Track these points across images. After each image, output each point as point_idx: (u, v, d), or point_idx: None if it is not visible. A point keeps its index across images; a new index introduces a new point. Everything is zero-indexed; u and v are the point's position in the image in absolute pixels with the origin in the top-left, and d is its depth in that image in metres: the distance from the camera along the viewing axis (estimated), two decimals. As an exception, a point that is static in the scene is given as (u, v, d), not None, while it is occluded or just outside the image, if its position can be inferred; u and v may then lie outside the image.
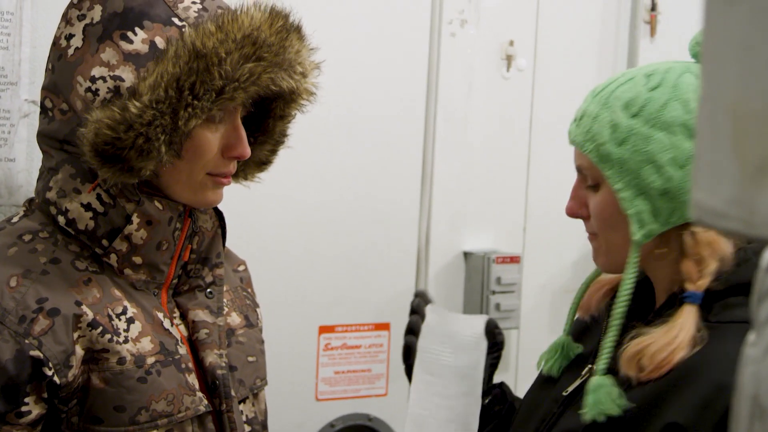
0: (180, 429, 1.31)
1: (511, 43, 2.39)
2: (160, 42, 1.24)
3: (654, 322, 1.31)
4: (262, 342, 1.52)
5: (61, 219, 1.30)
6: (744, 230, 0.54)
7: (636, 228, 1.30)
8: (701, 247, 1.29)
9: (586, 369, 1.42)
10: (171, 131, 1.22)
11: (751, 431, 0.56)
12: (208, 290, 1.39)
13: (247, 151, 1.33)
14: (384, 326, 2.28)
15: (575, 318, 1.53)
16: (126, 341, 1.27)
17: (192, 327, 1.37)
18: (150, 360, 1.29)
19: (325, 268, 2.19)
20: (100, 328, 1.26)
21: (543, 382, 1.50)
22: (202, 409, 1.33)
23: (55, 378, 1.22)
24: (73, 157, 1.28)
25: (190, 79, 1.22)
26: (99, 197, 1.29)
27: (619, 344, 1.31)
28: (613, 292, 1.48)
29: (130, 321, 1.29)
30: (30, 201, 1.37)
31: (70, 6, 1.32)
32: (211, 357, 1.36)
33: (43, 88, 1.32)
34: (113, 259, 1.31)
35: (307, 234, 2.16)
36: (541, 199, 2.47)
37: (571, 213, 1.41)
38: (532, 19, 2.43)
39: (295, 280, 2.15)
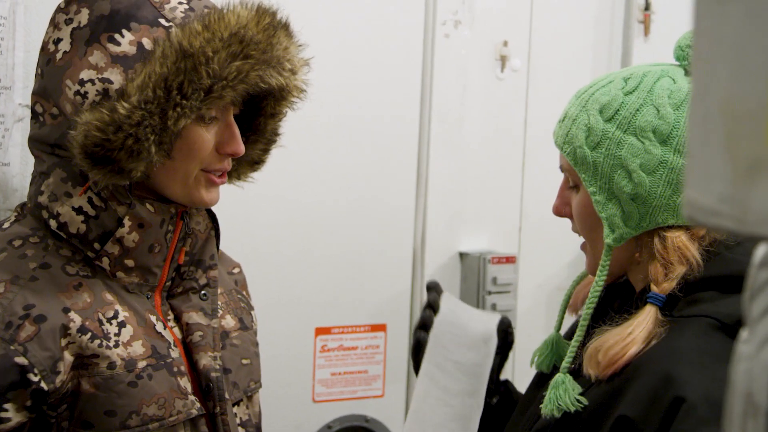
0: None
1: (505, 44, 2.40)
2: (147, 43, 1.25)
3: (618, 322, 1.32)
4: (257, 345, 1.52)
5: (52, 223, 1.30)
6: (736, 228, 0.54)
7: (608, 231, 1.31)
8: (669, 252, 1.30)
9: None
10: (160, 131, 1.23)
11: (744, 429, 0.56)
12: (202, 292, 1.39)
13: (242, 148, 1.34)
14: (380, 327, 2.28)
15: (570, 318, 1.54)
16: (116, 345, 1.27)
17: (186, 329, 1.37)
18: (141, 364, 1.29)
19: (321, 269, 2.19)
20: (90, 334, 1.25)
21: (537, 380, 1.51)
22: (195, 412, 1.33)
23: (42, 384, 1.21)
24: (64, 161, 1.28)
25: (178, 79, 1.22)
26: (90, 201, 1.29)
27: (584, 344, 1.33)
28: None
29: (122, 325, 1.29)
30: (22, 206, 1.37)
31: (58, 10, 1.32)
32: (205, 359, 1.36)
33: (33, 94, 1.33)
34: (105, 262, 1.31)
35: (303, 235, 2.16)
36: (536, 200, 2.47)
37: (557, 212, 1.44)
38: (526, 19, 2.43)
39: (291, 281, 2.15)
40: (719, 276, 1.28)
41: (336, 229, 2.20)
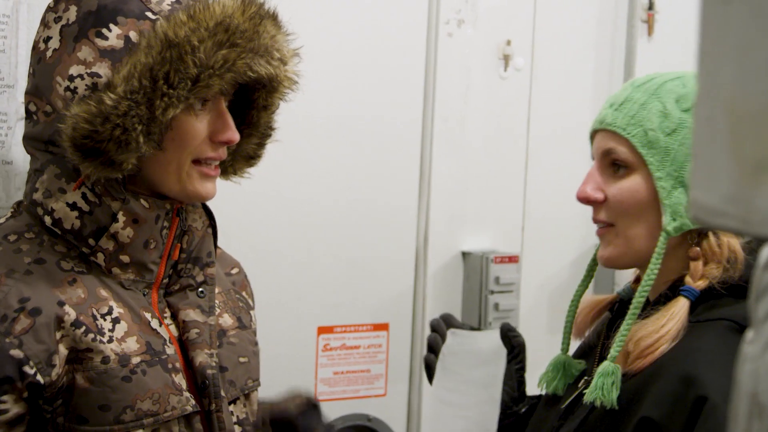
0: (166, 428, 1.30)
1: (509, 43, 2.39)
2: (134, 36, 1.26)
3: (648, 314, 1.32)
4: (256, 344, 1.51)
5: (47, 219, 1.30)
6: (741, 228, 0.54)
7: (669, 219, 1.30)
8: (723, 251, 1.30)
9: (582, 381, 1.43)
10: (148, 121, 1.23)
11: (749, 429, 0.56)
12: (200, 290, 1.39)
13: (235, 136, 1.34)
14: (383, 326, 2.28)
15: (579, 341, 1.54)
16: (111, 341, 1.27)
17: (182, 327, 1.37)
18: (135, 360, 1.29)
19: (323, 268, 2.19)
20: (84, 328, 1.26)
21: (548, 399, 1.50)
22: (189, 408, 1.32)
23: (38, 377, 1.22)
24: (57, 157, 1.29)
25: (164, 69, 1.23)
26: (84, 196, 1.29)
27: (608, 339, 1.33)
28: (600, 313, 1.50)
29: (116, 321, 1.29)
30: (18, 203, 1.37)
31: (48, 10, 1.33)
32: (201, 357, 1.36)
33: (26, 93, 1.34)
34: (100, 258, 1.31)
35: (305, 235, 2.16)
36: (539, 199, 2.47)
37: (584, 197, 1.38)
38: (529, 18, 2.43)
39: (294, 280, 2.15)
40: (741, 284, 1.29)
41: (338, 228, 2.20)
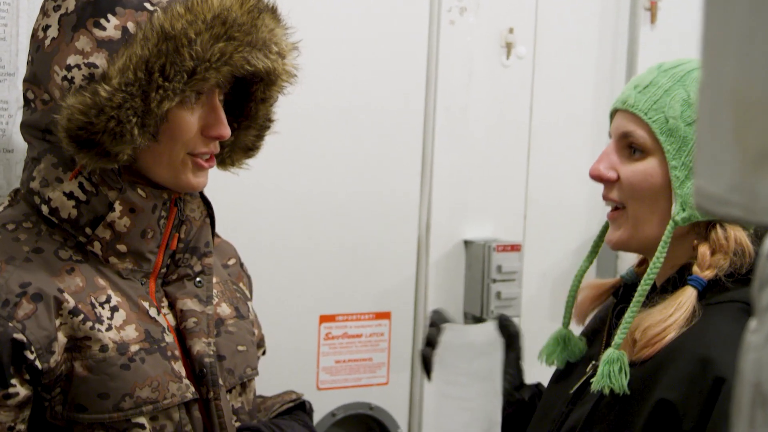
0: (166, 416, 1.31)
1: (511, 31, 2.39)
2: (131, 27, 1.25)
3: (654, 302, 1.32)
4: (254, 334, 1.52)
5: (44, 208, 1.31)
6: (745, 217, 0.54)
7: (678, 209, 1.30)
8: (730, 243, 1.31)
9: (590, 365, 1.42)
10: (143, 114, 1.23)
11: (752, 419, 0.56)
12: (197, 279, 1.40)
13: (227, 132, 1.33)
14: (385, 315, 2.28)
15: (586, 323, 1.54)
16: (109, 329, 1.28)
17: (180, 316, 1.38)
18: (134, 348, 1.29)
19: (325, 257, 2.19)
20: (82, 316, 1.26)
21: (556, 379, 1.50)
22: (189, 396, 1.33)
23: (37, 363, 1.22)
24: (54, 146, 1.29)
25: (160, 61, 1.23)
26: (81, 185, 1.29)
27: (616, 326, 1.33)
28: (601, 297, 1.50)
29: (114, 309, 1.30)
30: (15, 191, 1.38)
31: None
32: (199, 345, 1.36)
33: (25, 81, 1.34)
34: (97, 247, 1.31)
35: (308, 224, 2.16)
36: (541, 187, 2.47)
37: (597, 175, 1.38)
38: (531, 6, 2.43)
39: (296, 269, 2.15)
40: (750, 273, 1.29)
41: (341, 217, 2.20)
